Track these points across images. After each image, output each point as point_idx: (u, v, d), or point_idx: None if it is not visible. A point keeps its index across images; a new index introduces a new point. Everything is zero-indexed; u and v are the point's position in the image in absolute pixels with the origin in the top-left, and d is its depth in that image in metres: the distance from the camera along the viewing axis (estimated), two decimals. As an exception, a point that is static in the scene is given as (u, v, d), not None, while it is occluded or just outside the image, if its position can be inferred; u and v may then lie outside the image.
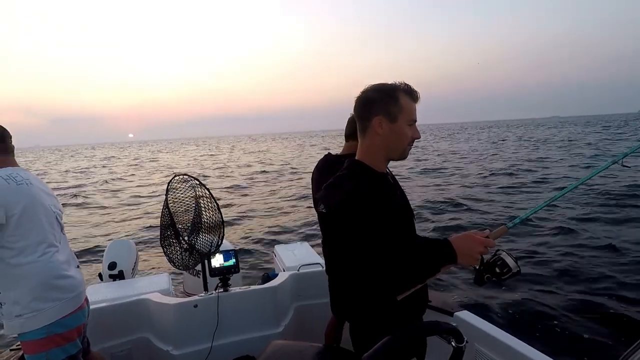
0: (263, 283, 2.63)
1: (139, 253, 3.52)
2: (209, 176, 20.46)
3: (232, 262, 2.43)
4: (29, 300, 1.57)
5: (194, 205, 2.53)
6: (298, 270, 2.74)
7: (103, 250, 3.30)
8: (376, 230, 1.15)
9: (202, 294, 2.36)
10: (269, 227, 9.28)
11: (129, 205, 13.31)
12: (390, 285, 1.14)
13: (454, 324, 1.02)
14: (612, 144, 26.75)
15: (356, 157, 1.31)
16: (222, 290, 2.36)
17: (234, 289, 2.40)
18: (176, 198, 2.49)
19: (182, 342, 2.29)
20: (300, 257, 3.06)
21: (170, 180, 2.47)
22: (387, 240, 1.16)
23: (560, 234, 7.12)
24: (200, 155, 45.49)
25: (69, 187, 19.77)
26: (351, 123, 2.15)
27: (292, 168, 23.34)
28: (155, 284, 2.70)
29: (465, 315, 1.90)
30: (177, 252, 2.45)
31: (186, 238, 2.45)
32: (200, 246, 2.45)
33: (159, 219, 2.50)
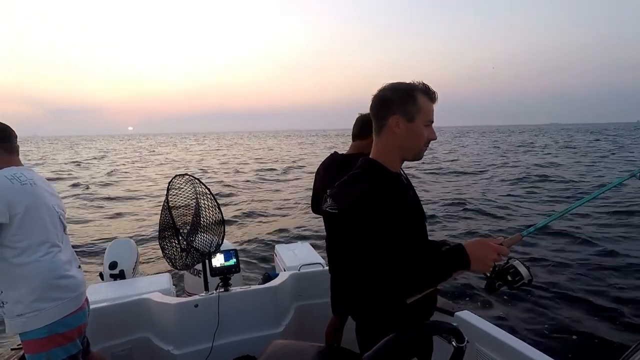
0: (264, 283, 2.64)
1: (140, 252, 3.53)
2: (210, 172, 20.46)
3: (232, 261, 2.43)
4: (31, 300, 1.58)
5: (194, 204, 2.53)
6: (299, 270, 2.74)
7: (104, 250, 3.32)
8: (389, 231, 1.13)
9: (203, 294, 2.36)
10: (270, 226, 9.28)
11: (129, 202, 13.30)
12: (401, 288, 1.12)
13: (454, 324, 1.03)
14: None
15: (370, 156, 1.29)
16: (222, 290, 2.36)
17: (235, 289, 2.41)
18: (176, 197, 2.49)
19: (182, 341, 2.29)
20: (301, 256, 3.07)
21: (171, 180, 2.47)
22: (399, 241, 1.15)
23: (567, 240, 7.08)
24: (201, 151, 45.47)
25: (71, 178, 19.77)
26: (358, 123, 2.14)
27: (296, 166, 23.32)
28: (155, 283, 2.71)
29: (466, 315, 1.90)
30: (177, 252, 2.45)
31: (186, 238, 2.46)
32: (200, 246, 2.45)
33: (159, 219, 2.50)
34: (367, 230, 1.13)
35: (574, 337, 3.95)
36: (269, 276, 2.77)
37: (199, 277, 3.01)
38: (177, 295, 2.64)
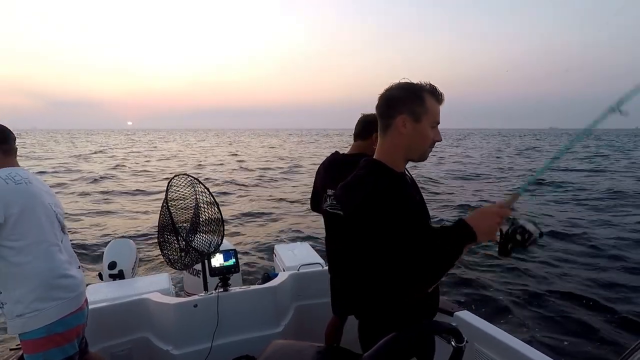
0: (263, 283, 2.64)
1: (139, 252, 3.52)
2: (210, 172, 20.38)
3: (232, 261, 2.43)
4: (31, 300, 1.57)
5: (193, 204, 2.53)
6: (298, 270, 2.74)
7: (103, 250, 3.31)
8: (394, 230, 1.13)
9: (202, 294, 2.36)
10: (269, 226, 9.27)
11: (130, 200, 13.25)
12: (418, 280, 1.12)
13: (453, 324, 1.03)
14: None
15: (375, 156, 1.28)
16: (222, 290, 2.36)
17: (234, 289, 2.41)
18: (176, 197, 2.49)
19: (182, 341, 2.29)
20: (300, 256, 3.07)
21: (170, 180, 2.47)
22: (404, 239, 1.15)
23: (566, 241, 7.08)
24: (201, 147, 45.32)
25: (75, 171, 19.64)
26: (361, 123, 2.14)
27: (296, 166, 23.27)
28: (155, 283, 2.71)
29: (465, 315, 1.90)
30: (176, 252, 2.45)
31: (185, 238, 2.45)
32: (200, 246, 2.45)
33: (158, 219, 2.49)
34: (372, 232, 1.13)
35: (574, 337, 3.95)
36: (269, 276, 2.77)
37: (198, 277, 3.00)
38: (177, 296, 2.64)
